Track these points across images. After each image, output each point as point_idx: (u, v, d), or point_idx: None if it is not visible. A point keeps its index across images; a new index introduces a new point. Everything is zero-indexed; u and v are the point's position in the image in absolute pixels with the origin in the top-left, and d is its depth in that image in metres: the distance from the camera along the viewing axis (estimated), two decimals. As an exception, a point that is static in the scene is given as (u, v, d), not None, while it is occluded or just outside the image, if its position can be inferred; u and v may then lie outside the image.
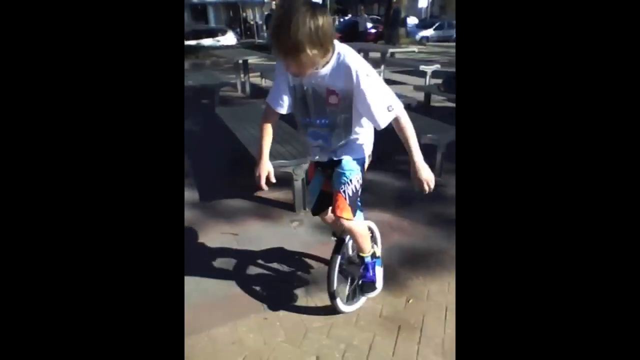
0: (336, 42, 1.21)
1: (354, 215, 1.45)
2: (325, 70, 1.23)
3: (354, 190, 1.42)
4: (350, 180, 1.41)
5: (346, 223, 1.42)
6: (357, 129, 1.39)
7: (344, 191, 1.40)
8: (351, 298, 1.76)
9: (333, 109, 1.31)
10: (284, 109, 1.41)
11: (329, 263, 1.65)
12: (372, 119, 1.27)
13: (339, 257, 1.65)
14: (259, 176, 1.44)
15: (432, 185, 1.29)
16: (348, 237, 1.65)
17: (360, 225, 1.53)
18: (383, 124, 1.26)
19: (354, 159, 1.43)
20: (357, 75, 1.20)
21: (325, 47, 1.13)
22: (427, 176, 1.28)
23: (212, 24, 22.38)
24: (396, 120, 1.27)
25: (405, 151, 1.31)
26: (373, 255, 1.65)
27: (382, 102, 1.24)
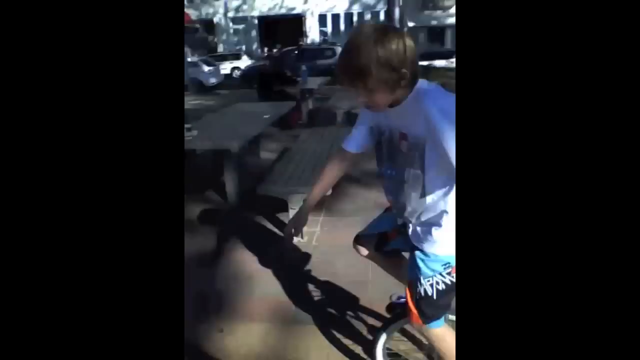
0: (423, 80, 1.06)
1: (434, 320, 1.15)
2: (402, 108, 1.06)
3: (432, 294, 1.11)
4: (427, 281, 1.11)
5: (423, 330, 1.17)
6: (436, 195, 1.07)
7: (418, 286, 1.12)
8: None
9: (404, 158, 1.09)
10: (353, 148, 1.25)
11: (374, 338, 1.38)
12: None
13: (385, 335, 1.35)
14: (289, 227, 1.31)
15: None
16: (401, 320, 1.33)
17: (441, 332, 1.17)
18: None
19: (433, 258, 1.10)
20: (433, 119, 0.97)
21: (398, 73, 0.99)
22: None
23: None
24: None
25: None
26: None
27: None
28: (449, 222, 1.08)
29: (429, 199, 1.08)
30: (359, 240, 1.40)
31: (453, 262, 1.10)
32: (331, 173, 1.32)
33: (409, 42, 1.01)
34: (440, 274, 1.10)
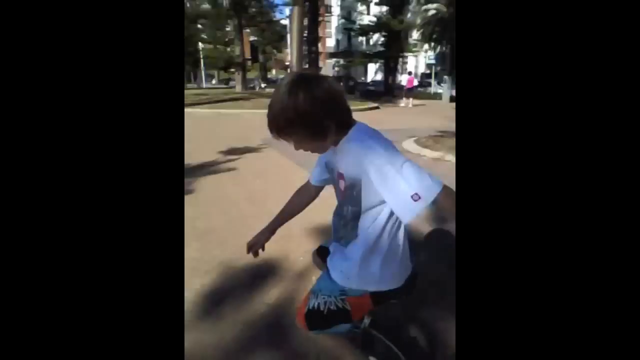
0: (360, 123, 1.07)
1: (317, 330, 1.25)
2: (339, 149, 1.06)
3: (322, 308, 1.17)
4: (322, 297, 1.18)
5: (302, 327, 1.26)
6: (365, 231, 1.09)
7: (312, 300, 1.20)
8: None
9: (341, 195, 1.14)
10: (313, 181, 1.34)
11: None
12: (395, 211, 0.99)
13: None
14: (250, 241, 1.38)
15: None
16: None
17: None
18: (406, 218, 0.97)
19: (333, 282, 1.18)
20: (364, 162, 0.97)
21: (321, 125, 0.98)
22: None
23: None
24: (439, 203, 0.94)
25: None
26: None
27: (403, 191, 0.93)
28: (366, 260, 1.11)
29: (360, 234, 1.12)
30: (318, 250, 1.49)
31: (350, 294, 1.16)
32: (295, 201, 1.43)
33: (333, 90, 0.99)
34: (335, 298, 1.17)
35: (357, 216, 1.10)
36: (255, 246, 1.39)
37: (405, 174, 0.94)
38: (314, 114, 0.96)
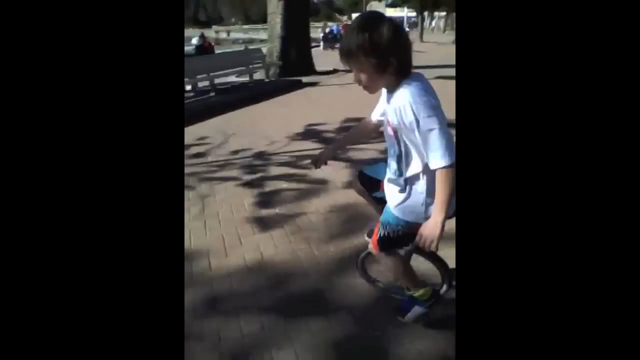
0: (417, 74, 1.23)
1: (385, 250, 1.51)
2: (390, 96, 1.24)
3: (391, 236, 1.45)
4: (391, 226, 1.44)
5: (375, 252, 1.53)
6: (412, 169, 1.31)
7: (383, 228, 1.46)
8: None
9: (388, 138, 1.34)
10: (372, 117, 1.53)
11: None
12: (425, 157, 1.21)
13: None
14: (313, 159, 1.63)
15: (430, 245, 1.24)
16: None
17: (390, 261, 1.56)
18: (433, 166, 1.18)
19: (398, 219, 1.41)
20: (406, 115, 1.14)
21: (384, 59, 1.14)
22: (428, 233, 1.24)
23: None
24: (440, 172, 1.16)
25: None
26: (413, 296, 1.65)
27: (435, 151, 1.14)
28: (415, 195, 1.34)
29: (409, 170, 1.33)
30: (359, 175, 1.68)
31: (411, 224, 1.38)
32: (355, 131, 1.71)
33: (399, 33, 1.16)
34: (399, 226, 1.42)
35: (400, 155, 1.32)
36: (319, 162, 1.64)
37: (439, 134, 1.13)
38: (382, 46, 1.13)
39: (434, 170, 1.19)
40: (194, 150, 4.43)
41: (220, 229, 2.70)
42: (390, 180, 1.42)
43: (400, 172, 1.35)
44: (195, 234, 2.65)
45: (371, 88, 1.25)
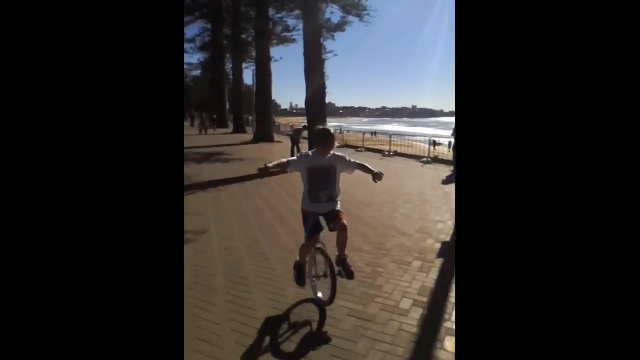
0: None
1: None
2: (330, 156, 2.46)
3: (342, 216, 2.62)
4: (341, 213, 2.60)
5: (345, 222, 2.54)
6: (339, 189, 2.58)
7: (342, 216, 2.56)
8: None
9: (331, 177, 2.51)
10: (290, 169, 2.47)
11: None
12: (351, 170, 2.54)
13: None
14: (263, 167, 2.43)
15: (382, 175, 2.44)
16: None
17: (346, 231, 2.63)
18: (352, 171, 2.55)
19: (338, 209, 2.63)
20: (344, 158, 2.52)
21: (333, 146, 2.46)
22: (378, 171, 2.43)
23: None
24: (359, 166, 2.53)
25: None
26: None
27: (351, 167, 2.53)
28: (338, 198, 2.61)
29: (338, 191, 2.57)
30: (310, 241, 2.53)
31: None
32: (280, 165, 2.52)
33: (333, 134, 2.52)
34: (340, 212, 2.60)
35: (337, 185, 2.54)
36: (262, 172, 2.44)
37: (351, 162, 2.56)
38: (333, 141, 2.50)
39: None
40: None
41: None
42: (334, 199, 2.56)
43: (338, 192, 2.57)
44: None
45: (322, 155, 2.45)
